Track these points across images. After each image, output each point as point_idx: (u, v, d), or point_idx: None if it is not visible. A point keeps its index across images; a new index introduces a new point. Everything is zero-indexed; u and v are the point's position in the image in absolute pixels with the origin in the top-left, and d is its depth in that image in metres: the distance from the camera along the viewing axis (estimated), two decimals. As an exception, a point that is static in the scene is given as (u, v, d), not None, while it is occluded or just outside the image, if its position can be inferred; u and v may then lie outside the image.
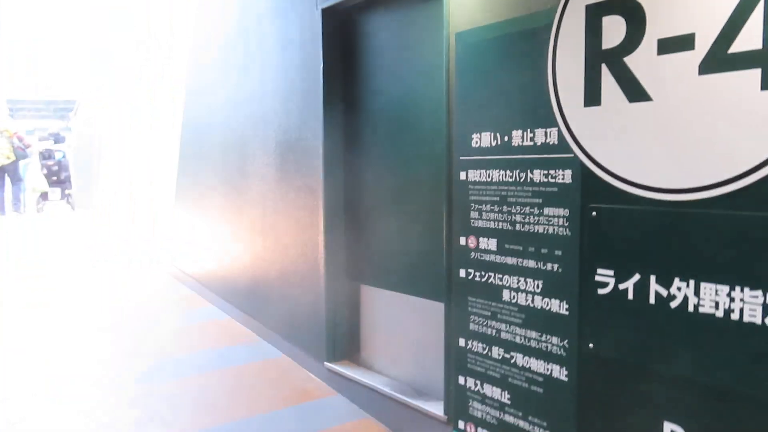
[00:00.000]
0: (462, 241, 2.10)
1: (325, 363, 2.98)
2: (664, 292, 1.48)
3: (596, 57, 1.62)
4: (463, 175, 2.09)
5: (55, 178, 13.14)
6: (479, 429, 2.09)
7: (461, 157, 2.09)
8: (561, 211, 1.74)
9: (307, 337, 3.18)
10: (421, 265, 2.50)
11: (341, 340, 3.01)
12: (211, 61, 4.38)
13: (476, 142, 2.02)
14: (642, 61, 1.51)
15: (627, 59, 1.55)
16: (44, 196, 12.78)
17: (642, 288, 1.52)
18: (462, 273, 2.12)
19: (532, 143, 1.82)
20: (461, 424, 2.16)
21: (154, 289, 5.08)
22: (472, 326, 2.09)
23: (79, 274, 5.59)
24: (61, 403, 2.74)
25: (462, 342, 2.14)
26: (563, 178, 1.72)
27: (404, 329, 2.67)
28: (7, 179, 9.68)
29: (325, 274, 2.98)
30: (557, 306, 1.77)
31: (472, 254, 2.06)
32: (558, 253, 1.75)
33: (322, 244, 2.97)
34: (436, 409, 2.31)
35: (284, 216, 3.36)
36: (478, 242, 2.04)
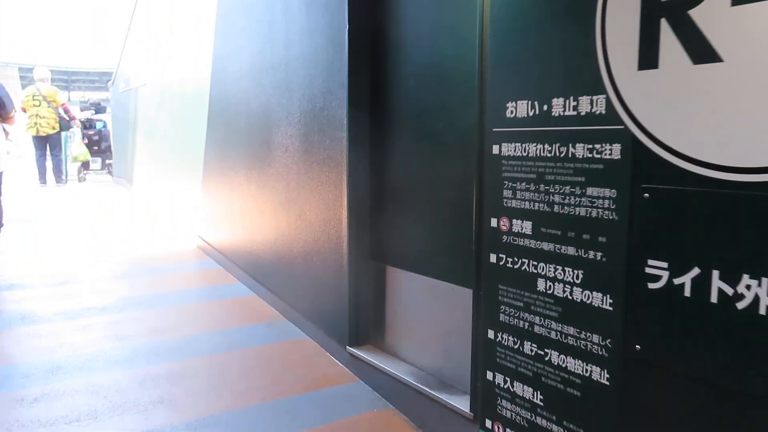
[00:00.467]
0: (493, 222, 1.90)
1: (348, 347, 2.84)
2: (729, 291, 1.25)
3: (654, 10, 1.38)
4: (495, 149, 1.87)
5: (96, 147, 13.31)
6: (507, 430, 1.91)
7: (494, 129, 1.87)
8: (607, 192, 1.52)
9: (330, 319, 3.05)
10: (449, 248, 2.31)
11: (365, 324, 2.86)
12: (237, 26, 4.21)
13: (511, 112, 1.80)
14: (711, 14, 1.27)
15: (692, 12, 1.30)
16: (86, 165, 12.98)
17: (702, 284, 1.30)
18: (492, 258, 1.92)
19: (575, 113, 1.59)
20: (488, 423, 1.99)
21: (179, 263, 5.03)
22: (502, 317, 1.89)
23: (107, 244, 5.59)
24: (71, 380, 2.68)
25: (491, 334, 1.95)
26: (611, 154, 1.50)
27: (430, 315, 2.50)
28: (48, 149, 9.80)
29: (348, 254, 2.82)
30: (599, 300, 1.56)
31: (504, 237, 1.86)
32: (602, 239, 1.54)
33: (346, 222, 2.80)
34: (462, 404, 2.14)
35: (308, 190, 3.20)
36: (511, 224, 1.83)
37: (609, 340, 1.54)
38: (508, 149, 1.83)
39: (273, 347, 3.15)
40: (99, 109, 14.61)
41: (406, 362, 2.65)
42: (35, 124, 9.29)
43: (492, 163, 1.89)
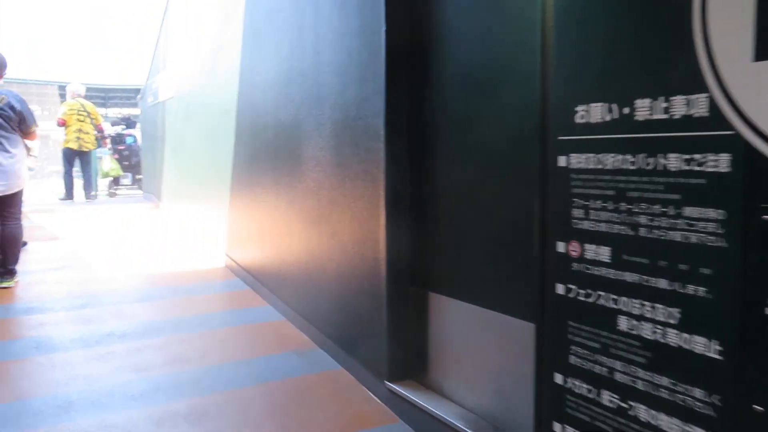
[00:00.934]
0: (560, 247, 1.64)
1: (387, 382, 2.60)
2: None
3: (777, -16, 1.11)
4: (562, 161, 1.62)
5: (126, 162, 13.42)
6: (581, 494, 1.64)
7: (560, 137, 1.62)
8: (712, 213, 1.25)
9: (367, 349, 2.81)
10: (506, 275, 2.05)
11: (406, 356, 2.61)
12: (264, 33, 4.04)
13: (582, 117, 1.54)
14: None
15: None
16: (116, 180, 13.06)
17: None
18: (560, 289, 1.65)
19: (666, 116, 1.33)
20: (556, 484, 1.71)
21: (206, 283, 4.85)
22: (573, 359, 1.63)
23: (131, 263, 5.46)
24: (83, 419, 2.48)
25: (559, 379, 1.68)
26: (716, 166, 1.23)
27: (482, 350, 2.24)
28: (80, 165, 9.78)
29: (386, 277, 2.58)
30: (703, 346, 1.28)
31: (575, 265, 1.60)
32: (706, 271, 1.27)
33: (384, 242, 2.56)
34: (523, 458, 1.87)
35: (341, 207, 2.98)
36: (582, 250, 1.57)
37: (717, 396, 1.26)
38: (578, 161, 1.57)
39: (304, 380, 2.92)
40: (129, 123, 14.74)
41: (453, 402, 2.39)
42: (78, 139, 9.26)
43: (557, 178, 1.63)
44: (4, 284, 4.55)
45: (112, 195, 12.93)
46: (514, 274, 1.98)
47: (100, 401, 2.67)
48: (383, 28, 2.48)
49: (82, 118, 9.28)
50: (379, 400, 2.68)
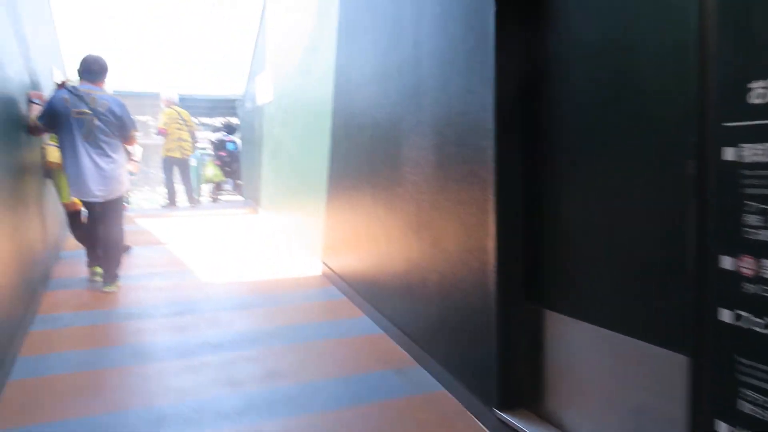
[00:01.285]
0: (726, 263, 1.32)
1: (496, 410, 2.33)
2: None
3: None
4: (729, 153, 1.30)
5: (228, 168, 13.84)
6: None
7: (726, 123, 1.30)
8: None
9: (474, 371, 2.55)
10: (649, 294, 1.73)
11: (518, 381, 2.33)
12: (359, 28, 3.88)
13: (760, 96, 1.21)
14: None
15: None
16: (219, 186, 13.51)
17: None
18: (725, 315, 1.33)
19: None
20: None
21: (302, 292, 4.76)
22: (743, 405, 1.30)
23: (229, 269, 5.49)
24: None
25: (723, 429, 1.35)
26: None
27: (614, 382, 1.92)
28: (179, 171, 10.08)
29: (496, 292, 2.31)
30: None
31: (748, 286, 1.27)
32: None
33: (494, 252, 2.30)
34: None
35: (444, 213, 2.74)
36: (758, 267, 1.24)
37: None
38: (753, 153, 1.25)
39: (403, 402, 2.71)
40: (230, 130, 15.25)
41: (577, 439, 2.08)
42: (179, 147, 9.53)
43: (724, 174, 1.31)
44: (107, 289, 4.67)
45: (214, 200, 13.37)
46: (661, 294, 1.66)
47: (193, 417, 2.57)
48: (493, 9, 2.22)
49: (180, 126, 9.51)
50: (487, 430, 2.41)
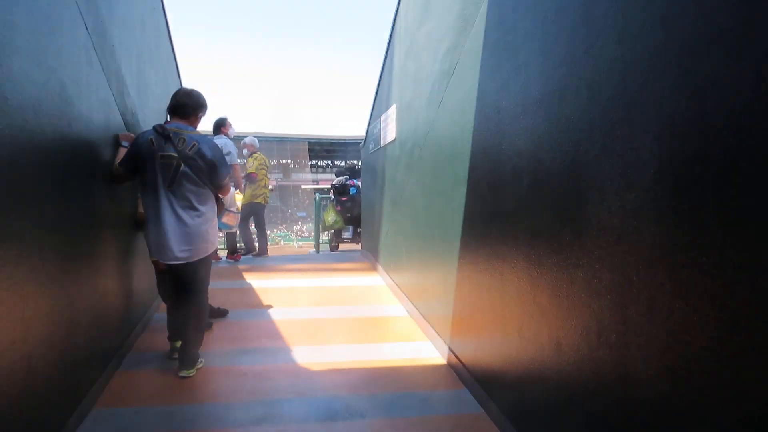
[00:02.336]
0: None
1: None
2: None
3: None
4: None
5: (348, 214, 13.11)
6: None
7: None
8: None
9: None
10: None
11: None
12: (517, 38, 2.84)
13: None
14: None
15: None
16: (338, 233, 12.84)
17: None
18: None
19: None
20: None
21: (423, 394, 3.68)
22: None
23: (336, 344, 4.53)
24: None
25: None
26: None
27: None
28: (254, 220, 9.54)
29: None
30: None
31: None
32: None
33: None
34: None
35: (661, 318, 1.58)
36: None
37: None
38: None
39: None
40: (354, 173, 14.60)
41: None
42: (263, 194, 9.21)
43: None
44: (183, 373, 3.87)
45: (333, 249, 12.72)
46: None
47: None
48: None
49: (265, 172, 9.20)
50: None
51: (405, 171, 5.88)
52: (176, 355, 4.07)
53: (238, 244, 9.38)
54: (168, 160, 3.68)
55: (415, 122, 5.38)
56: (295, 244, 25.95)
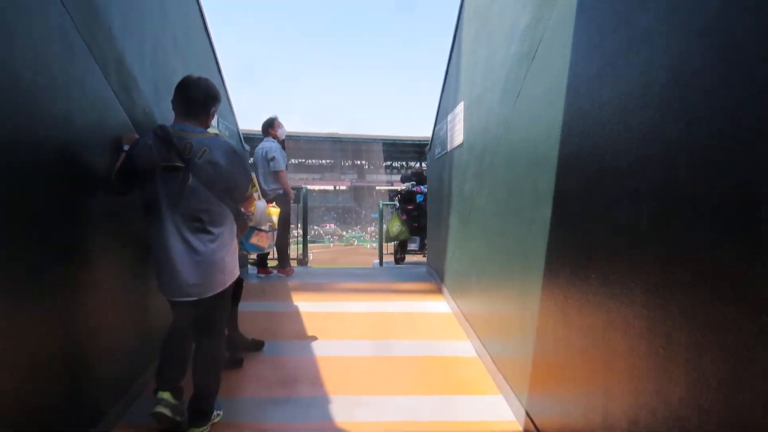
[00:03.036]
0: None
1: None
2: None
3: None
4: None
5: (415, 224, 12.25)
6: None
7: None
8: None
9: None
10: None
11: None
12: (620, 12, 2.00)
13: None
14: None
15: None
16: (403, 245, 12.05)
17: None
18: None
19: None
20: None
21: None
22: None
23: (386, 394, 3.78)
24: None
25: None
26: None
27: None
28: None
29: None
30: None
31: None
32: None
33: None
34: None
35: None
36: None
37: None
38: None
39: None
40: (421, 179, 13.74)
41: None
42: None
43: None
44: (195, 431, 3.19)
45: (399, 262, 11.95)
46: None
47: None
48: None
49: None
50: None
51: (474, 181, 5.03)
52: (159, 409, 3.15)
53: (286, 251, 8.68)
54: (172, 171, 3.02)
55: (486, 121, 4.53)
56: (368, 246, 25.67)
